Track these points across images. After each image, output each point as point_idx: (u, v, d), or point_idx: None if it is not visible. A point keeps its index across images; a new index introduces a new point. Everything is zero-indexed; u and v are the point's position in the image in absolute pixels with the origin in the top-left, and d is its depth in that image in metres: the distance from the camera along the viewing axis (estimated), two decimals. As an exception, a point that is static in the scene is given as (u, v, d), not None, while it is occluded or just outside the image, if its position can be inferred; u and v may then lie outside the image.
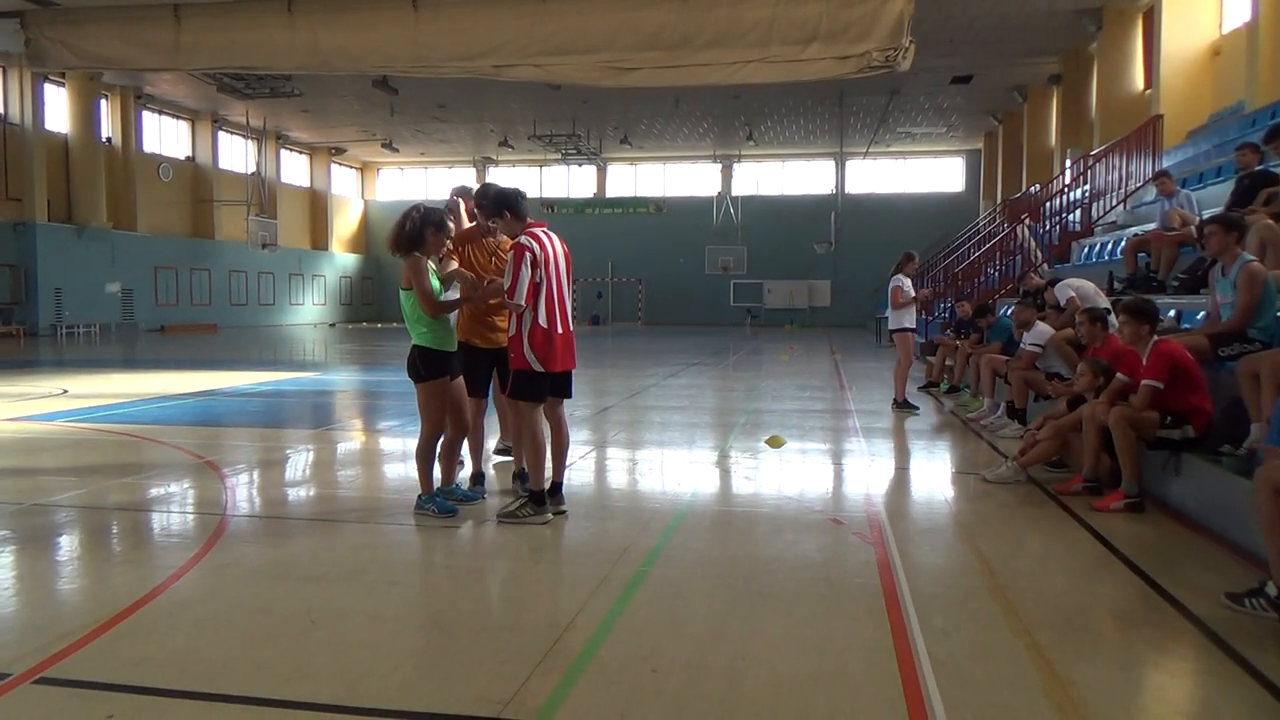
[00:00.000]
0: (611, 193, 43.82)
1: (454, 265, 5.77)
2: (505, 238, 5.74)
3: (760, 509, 6.04)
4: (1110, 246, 13.70)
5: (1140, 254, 10.41)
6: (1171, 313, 8.16)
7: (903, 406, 10.58)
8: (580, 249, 41.06)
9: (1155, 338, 5.94)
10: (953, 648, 3.48)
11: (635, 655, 3.40)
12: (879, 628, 3.68)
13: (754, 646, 3.48)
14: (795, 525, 5.43)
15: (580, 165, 40.84)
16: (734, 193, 42.22)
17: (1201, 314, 7.37)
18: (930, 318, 20.86)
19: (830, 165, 41.18)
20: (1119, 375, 6.12)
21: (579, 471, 6.94)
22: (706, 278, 42.24)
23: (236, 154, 37.02)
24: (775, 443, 8.04)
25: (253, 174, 36.26)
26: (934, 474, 7.32)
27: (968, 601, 4.06)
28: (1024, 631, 3.66)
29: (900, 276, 10.74)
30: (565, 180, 43.72)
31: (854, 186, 40.91)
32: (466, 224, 6.13)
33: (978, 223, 31.34)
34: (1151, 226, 11.04)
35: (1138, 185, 16.07)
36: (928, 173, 41.48)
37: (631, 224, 42.70)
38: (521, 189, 5.48)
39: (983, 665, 3.33)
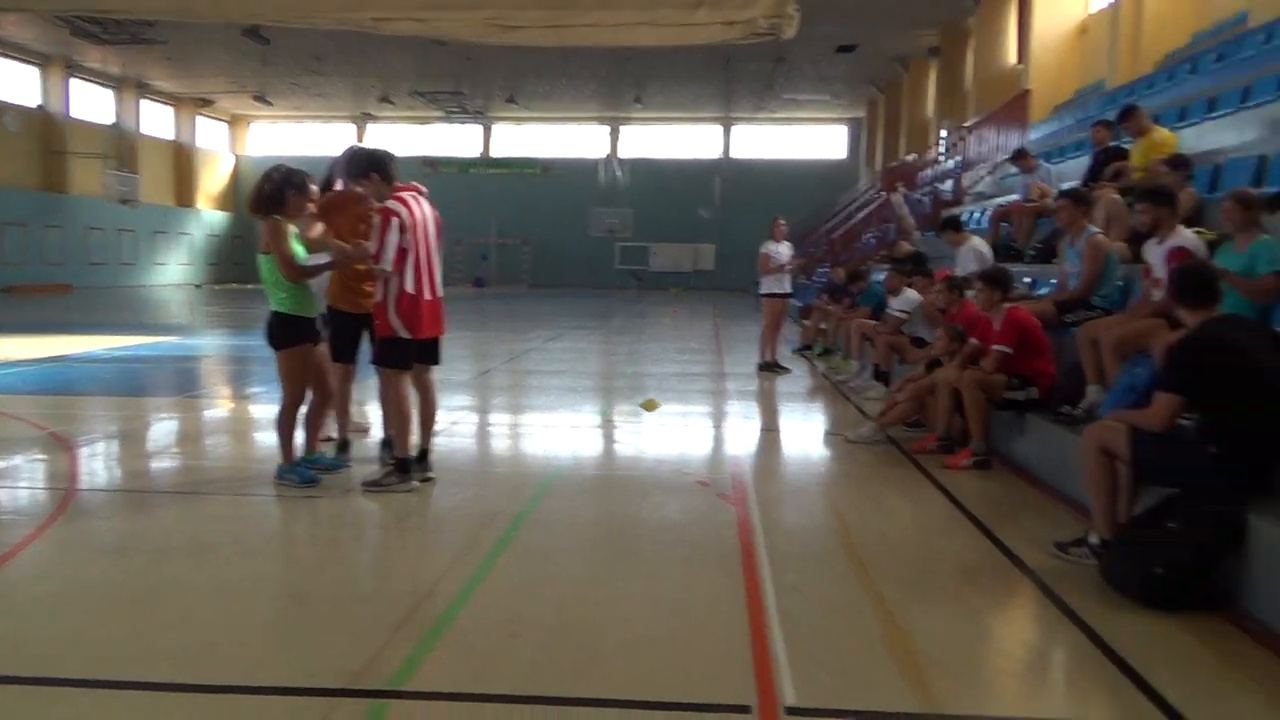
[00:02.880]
0: (497, 153, 43.05)
1: (319, 228, 5.57)
2: (375, 203, 5.58)
3: (630, 472, 6.12)
4: (978, 216, 14.29)
5: (1004, 224, 10.89)
6: (1027, 280, 8.59)
7: (770, 368, 10.85)
8: (464, 209, 39.97)
9: (1006, 305, 6.26)
10: (803, 603, 3.63)
11: (494, 620, 3.41)
12: (734, 586, 3.79)
13: (614, 608, 3.55)
14: (663, 488, 5.53)
15: (464, 124, 39.90)
16: (621, 155, 42.09)
17: (1053, 282, 7.79)
18: (809, 282, 21.42)
19: (717, 130, 41.50)
20: (972, 340, 6.43)
21: (450, 438, 6.87)
22: (592, 240, 42.11)
23: (93, 103, 34.59)
24: (650, 406, 8.13)
25: (111, 125, 34.01)
26: (800, 435, 7.55)
27: (821, 558, 4.23)
28: (871, 585, 3.83)
29: (768, 243, 10.96)
30: (449, 139, 42.68)
31: (739, 152, 41.37)
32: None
33: (859, 190, 32.26)
34: (1015, 198, 11.57)
35: (1005, 158, 16.79)
36: (812, 140, 42.27)
37: (517, 185, 42.10)
38: (390, 151, 5.29)
39: (830, 618, 3.48)
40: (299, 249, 5.12)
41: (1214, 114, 8.88)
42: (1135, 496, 4.09)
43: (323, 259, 5.25)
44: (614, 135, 42.36)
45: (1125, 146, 8.73)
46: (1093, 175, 8.94)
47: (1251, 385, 3.66)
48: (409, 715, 2.73)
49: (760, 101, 36.23)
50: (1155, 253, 5.38)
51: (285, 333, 5.10)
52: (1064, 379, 6.02)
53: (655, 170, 41.93)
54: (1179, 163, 6.62)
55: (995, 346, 6.10)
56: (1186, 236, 5.34)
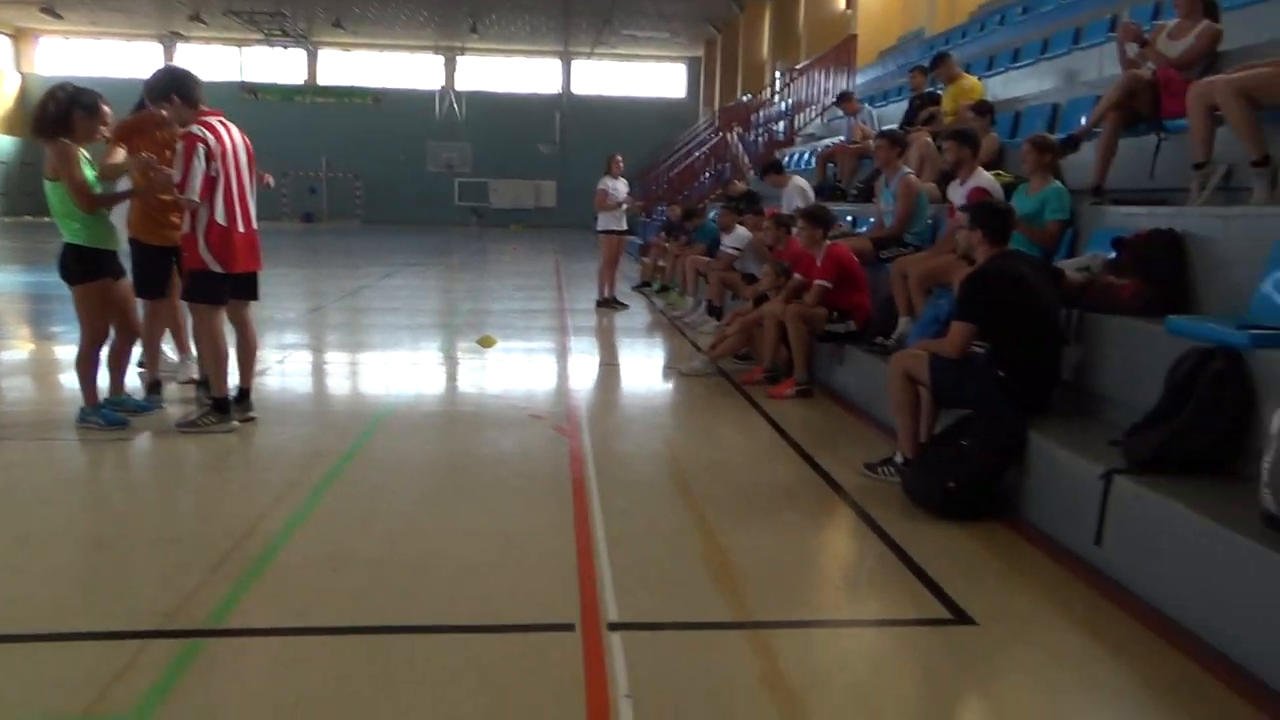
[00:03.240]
0: (324, 80, 40.70)
1: (120, 155, 5.15)
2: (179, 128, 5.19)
3: (464, 408, 6.09)
4: (807, 156, 14.77)
5: (830, 164, 11.32)
6: (850, 218, 9.01)
7: (609, 304, 10.97)
8: (290, 140, 37.78)
9: (828, 242, 6.55)
10: (629, 527, 3.75)
11: (318, 556, 3.35)
12: (564, 514, 3.87)
13: (442, 540, 3.56)
14: (497, 423, 5.54)
15: (287, 48, 37.38)
16: (458, 87, 40.72)
17: (872, 220, 8.19)
18: (649, 220, 21.60)
19: (556, 64, 40.76)
20: (796, 275, 6.71)
21: (275, 377, 6.60)
22: (430, 175, 40.73)
23: None
24: (486, 343, 8.06)
25: None
26: (636, 369, 7.70)
27: (649, 485, 4.38)
28: (695, 508, 4.01)
29: (605, 179, 10.98)
30: (270, 64, 39.96)
31: (580, 88, 40.85)
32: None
33: (697, 129, 32.58)
34: (841, 139, 12.02)
35: (832, 100, 17.35)
36: (651, 78, 42.21)
37: (347, 115, 40.02)
38: (193, 72, 4.93)
39: (653, 540, 3.62)
40: (91, 175, 4.72)
41: (1017, 64, 9.49)
42: (936, 418, 4.44)
43: (122, 187, 4.87)
44: (450, 66, 40.86)
45: (939, 93, 9.21)
46: (909, 119, 9.39)
47: (1033, 316, 4.01)
48: (225, 653, 2.67)
49: (599, 37, 35.82)
50: (958, 192, 5.75)
51: (81, 267, 4.72)
52: (879, 312, 6.39)
53: (494, 104, 40.82)
54: (983, 109, 7.06)
55: (816, 281, 6.39)
56: (985, 177, 5.74)
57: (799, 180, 9.62)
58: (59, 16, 33.06)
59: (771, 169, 10.04)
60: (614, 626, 2.87)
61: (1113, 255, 4.36)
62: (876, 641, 2.96)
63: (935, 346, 4.25)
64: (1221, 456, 3.22)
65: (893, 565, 3.47)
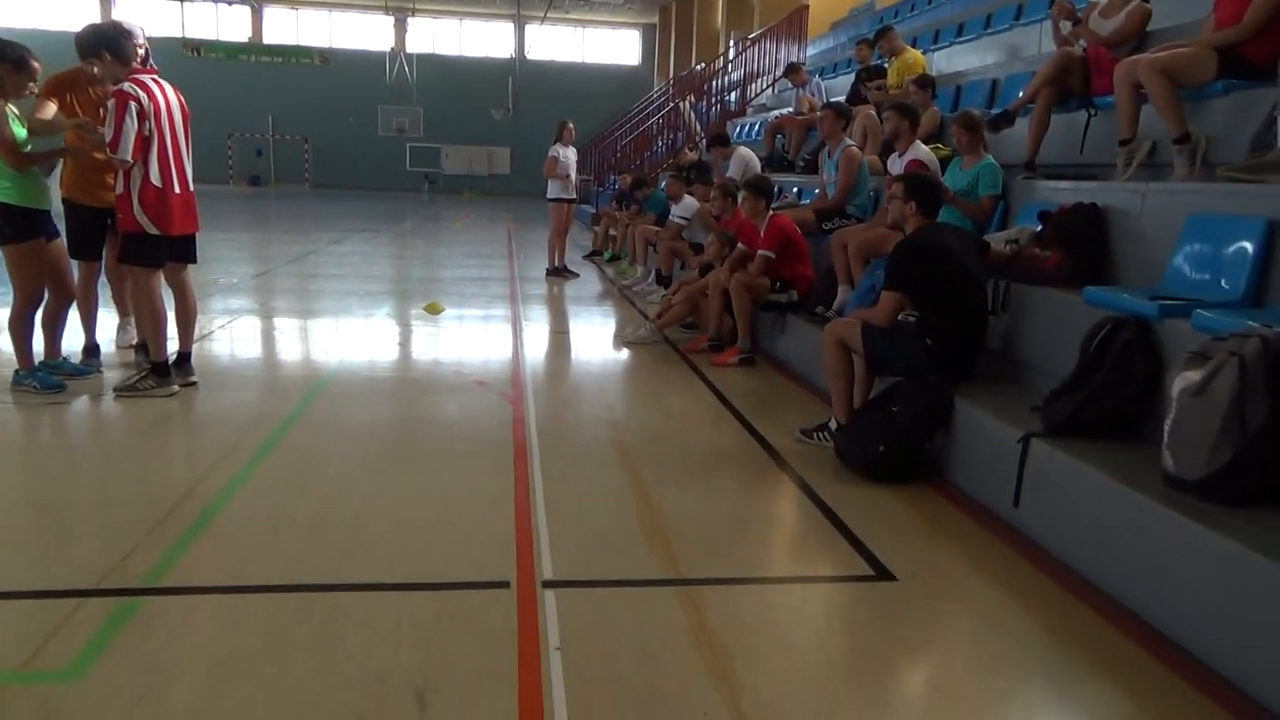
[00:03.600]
0: (269, 39, 39.66)
1: (51, 110, 5.04)
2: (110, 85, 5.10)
3: (410, 375, 6.11)
4: (758, 127, 14.83)
5: (779, 135, 11.40)
6: (796, 190, 9.11)
7: (559, 273, 10.99)
8: (235, 100, 36.82)
9: (771, 212, 6.64)
10: (567, 489, 3.84)
11: (256, 518, 3.38)
12: (504, 477, 3.94)
13: (380, 502, 3.61)
14: (442, 389, 5.57)
15: (230, 4, 36.41)
16: (409, 49, 39.96)
17: (817, 191, 8.30)
18: (600, 189, 21.55)
19: (509, 28, 40.18)
20: (740, 245, 6.80)
21: (217, 342, 6.54)
22: (381, 139, 40.03)
23: None
24: (433, 309, 8.06)
25: None
26: (583, 337, 7.76)
27: (589, 450, 4.46)
28: (633, 472, 4.10)
29: (556, 146, 10.95)
30: (213, 21, 38.84)
31: (533, 53, 40.35)
32: None
33: (651, 97, 32.43)
34: (790, 110, 12.09)
35: (783, 72, 17.41)
36: (606, 44, 41.84)
37: (294, 75, 39.09)
38: (127, 25, 4.84)
39: (590, 501, 3.71)
40: (20, 132, 4.62)
41: (961, 39, 9.63)
42: (870, 386, 4.57)
43: (54, 144, 4.78)
44: (400, 28, 40.06)
45: (885, 65, 9.30)
46: (855, 92, 9.49)
47: (958, 286, 4.15)
48: (162, 611, 2.70)
49: (553, 0, 35.33)
50: (896, 164, 5.87)
51: (12, 226, 4.64)
52: (820, 282, 6.51)
53: (446, 68, 40.17)
54: (924, 82, 7.18)
55: (760, 251, 6.49)
56: (922, 150, 5.87)
57: (743, 150, 9.70)
58: (-12, -34, 31.76)
59: (716, 141, 10.11)
60: (548, 584, 2.95)
61: (1039, 228, 4.51)
62: (802, 596, 3.09)
63: (867, 315, 4.38)
64: (1131, 420, 3.39)
65: (821, 526, 3.61)
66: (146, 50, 5.00)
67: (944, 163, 5.86)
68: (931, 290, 4.16)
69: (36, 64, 4.65)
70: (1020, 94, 5.96)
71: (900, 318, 4.33)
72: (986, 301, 4.34)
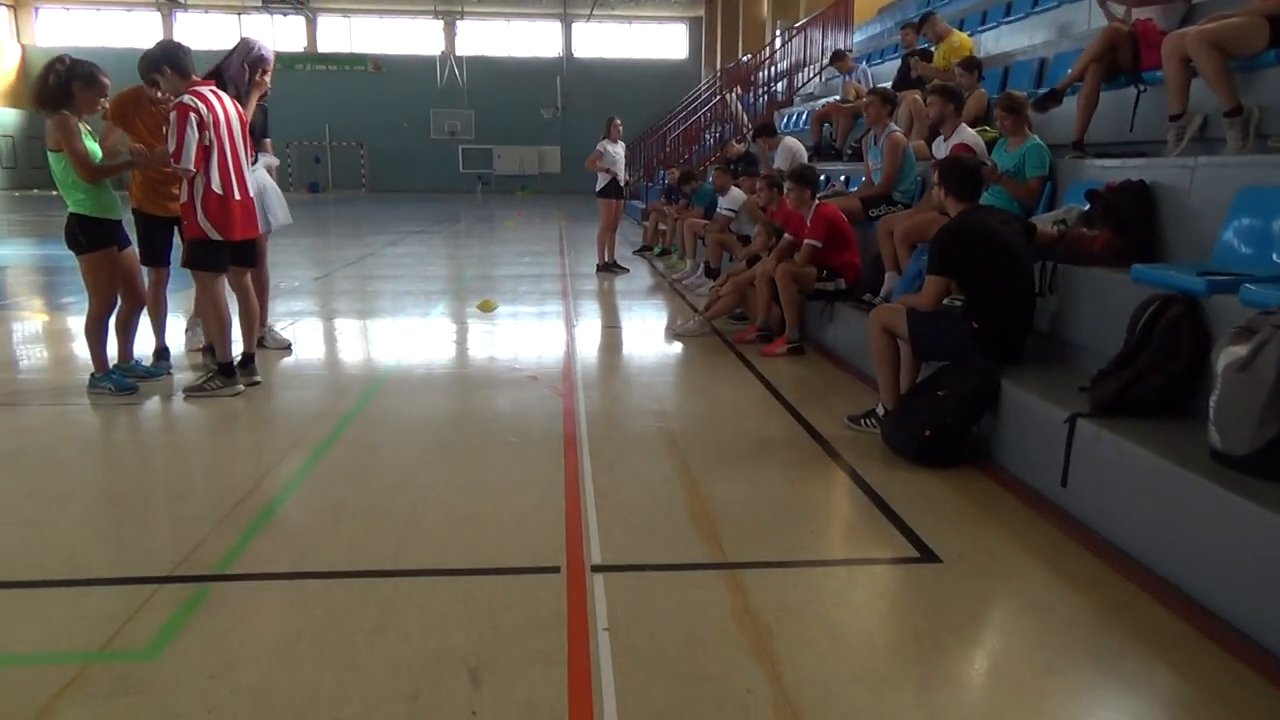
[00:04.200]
0: (324, 48, 40.52)
1: (116, 135, 5.29)
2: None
3: (464, 370, 6.25)
4: (805, 116, 14.75)
5: (825, 124, 11.34)
6: (843, 178, 9.08)
7: (608, 268, 11.09)
8: (293, 110, 37.66)
9: (817, 201, 6.64)
10: (615, 478, 3.92)
11: (318, 509, 3.53)
12: (554, 467, 4.04)
13: (435, 492, 3.73)
14: (495, 383, 5.70)
15: (285, 15, 37.30)
16: (459, 53, 40.48)
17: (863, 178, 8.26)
18: (650, 184, 21.60)
19: (556, 27, 40.45)
20: (786, 235, 6.81)
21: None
22: (434, 143, 40.68)
23: None
24: (487, 307, 8.21)
25: None
26: (632, 330, 7.84)
27: (639, 440, 4.53)
28: (680, 460, 4.17)
29: (604, 142, 11.04)
30: (269, 31, 39.79)
31: (581, 51, 40.57)
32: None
33: (699, 90, 32.38)
34: (836, 98, 12.01)
35: (829, 60, 17.26)
36: (653, 39, 41.86)
37: (349, 83, 39.91)
38: (183, 43, 5.04)
39: (638, 490, 3.79)
40: (93, 146, 4.86)
41: (1009, 19, 9.48)
42: (917, 371, 4.57)
43: (121, 159, 5.01)
44: (450, 31, 40.59)
45: (931, 50, 9.21)
46: (903, 77, 9.41)
47: (1002, 268, 4.13)
48: (231, 596, 2.85)
49: (600, -3, 35.47)
50: (942, 148, 5.83)
51: (87, 236, 4.88)
52: (868, 269, 6.50)
53: (496, 69, 40.62)
54: (971, 64, 7.10)
55: (806, 240, 6.50)
56: (968, 134, 5.82)
57: (790, 141, 9.68)
58: (57, -12, 32.94)
59: (763, 131, 10.11)
60: (597, 569, 3.04)
61: (1086, 208, 4.46)
62: (846, 578, 3.12)
63: (911, 301, 4.38)
64: (1178, 397, 3.36)
65: (868, 510, 3.64)
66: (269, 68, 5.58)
67: (990, 145, 5.81)
68: (976, 274, 4.15)
69: (106, 80, 4.88)
70: (1068, 72, 5.88)
71: (946, 302, 4.33)
72: (1033, 283, 4.31)
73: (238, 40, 5.70)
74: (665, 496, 3.71)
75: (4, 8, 38.87)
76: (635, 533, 3.34)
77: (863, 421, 4.61)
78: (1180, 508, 2.88)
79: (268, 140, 6.19)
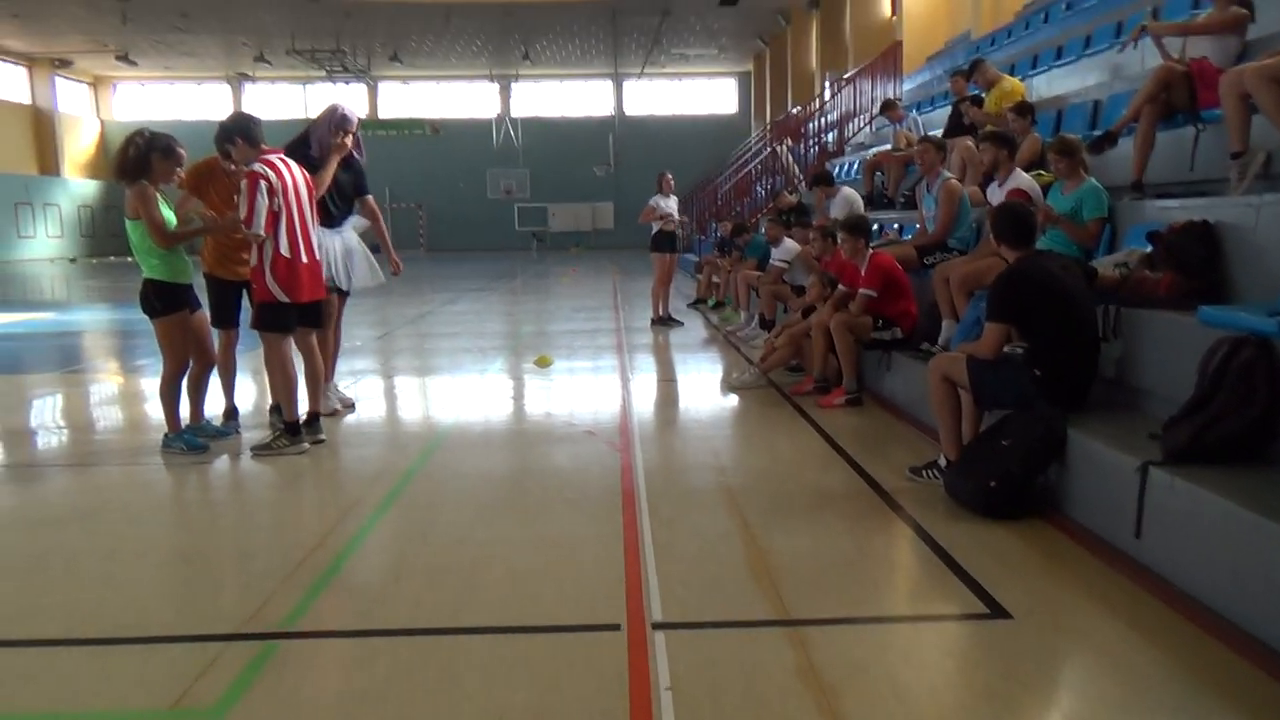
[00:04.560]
0: (384, 114, 41.89)
1: (194, 201, 5.52)
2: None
3: (521, 426, 6.31)
4: (856, 166, 14.78)
5: (877, 173, 11.35)
6: (896, 226, 9.05)
7: (662, 322, 11.14)
8: (353, 173, 38.64)
9: (870, 250, 6.63)
10: (674, 533, 3.90)
11: (380, 566, 3.58)
12: (613, 522, 4.04)
13: (495, 549, 3.74)
14: (551, 439, 5.73)
15: (348, 83, 38.62)
16: (514, 114, 41.51)
17: (917, 226, 8.23)
18: (703, 238, 21.74)
19: (608, 86, 41.30)
20: (841, 285, 6.79)
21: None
22: (490, 202, 41.58)
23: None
24: (543, 363, 8.30)
25: (-42, 89, 31.68)
26: (687, 384, 7.85)
27: (696, 494, 4.51)
28: (739, 514, 4.13)
29: (655, 197, 11.19)
30: (333, 100, 41.19)
31: (632, 109, 41.32)
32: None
33: (749, 143, 32.69)
34: (887, 147, 12.03)
35: (879, 109, 17.32)
36: (703, 94, 42.48)
37: (408, 147, 41.05)
38: (254, 115, 5.27)
39: (697, 544, 3.76)
40: (168, 214, 5.08)
41: (1061, 62, 9.44)
42: (979, 420, 4.49)
43: (194, 225, 5.21)
44: (505, 94, 41.69)
45: (983, 96, 9.20)
46: (953, 124, 9.40)
47: (1064, 314, 4.06)
48: (296, 654, 2.89)
49: (649, 56, 36.19)
50: (997, 194, 5.79)
51: (160, 300, 5.08)
52: (925, 317, 6.44)
53: (549, 129, 41.54)
54: (1024, 109, 7.07)
55: (861, 290, 6.47)
56: (1023, 179, 5.77)
57: (848, 191, 9.68)
58: (134, 63, 34.72)
59: (820, 180, 10.12)
60: (657, 626, 3.01)
61: (1148, 249, 4.38)
62: (913, 636, 3.05)
63: (971, 348, 4.32)
64: (1255, 443, 3.24)
65: (933, 564, 3.56)
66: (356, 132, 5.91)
67: (1046, 188, 5.75)
68: (1037, 320, 4.08)
69: (182, 151, 5.12)
70: (1123, 114, 5.82)
71: (1007, 349, 4.26)
72: (1096, 328, 4.23)
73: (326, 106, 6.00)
74: (725, 551, 3.68)
75: (85, 85, 41.02)
76: (695, 589, 3.31)
77: (925, 473, 4.53)
78: (1263, 558, 2.77)
79: (368, 197, 6.40)
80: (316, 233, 5.36)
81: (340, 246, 6.00)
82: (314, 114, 6.21)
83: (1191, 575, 3.12)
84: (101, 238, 40.16)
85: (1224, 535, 2.96)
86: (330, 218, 5.96)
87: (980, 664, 2.83)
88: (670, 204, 11.36)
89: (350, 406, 6.52)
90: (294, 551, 3.71)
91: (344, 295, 6.24)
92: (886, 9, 22.81)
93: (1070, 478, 3.92)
